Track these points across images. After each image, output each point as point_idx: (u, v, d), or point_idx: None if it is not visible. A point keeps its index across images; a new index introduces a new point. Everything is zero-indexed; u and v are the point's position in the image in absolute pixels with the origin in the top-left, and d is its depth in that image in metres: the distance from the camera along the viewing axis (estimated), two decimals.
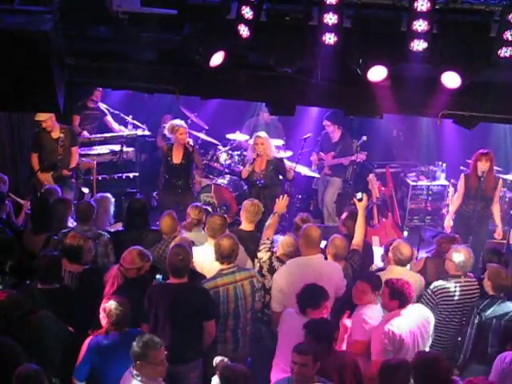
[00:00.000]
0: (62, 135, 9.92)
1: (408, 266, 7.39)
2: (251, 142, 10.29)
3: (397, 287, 6.28)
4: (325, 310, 6.29)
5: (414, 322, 6.34)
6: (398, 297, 6.29)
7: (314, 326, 5.84)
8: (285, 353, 5.94)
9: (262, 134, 10.24)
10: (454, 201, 9.80)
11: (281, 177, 10.39)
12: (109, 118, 11.90)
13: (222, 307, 6.60)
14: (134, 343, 5.33)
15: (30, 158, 10.03)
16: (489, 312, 6.55)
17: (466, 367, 6.66)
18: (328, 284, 6.60)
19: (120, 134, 11.77)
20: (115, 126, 11.90)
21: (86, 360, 5.80)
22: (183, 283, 6.36)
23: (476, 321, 6.58)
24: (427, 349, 6.46)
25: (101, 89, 11.51)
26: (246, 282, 6.74)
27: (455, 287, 6.96)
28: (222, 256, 6.66)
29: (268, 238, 7.32)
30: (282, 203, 7.85)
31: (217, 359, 5.70)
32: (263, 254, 7.19)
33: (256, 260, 7.24)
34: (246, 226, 7.73)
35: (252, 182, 10.20)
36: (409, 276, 6.96)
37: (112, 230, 8.01)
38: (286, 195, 8.05)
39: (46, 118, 9.69)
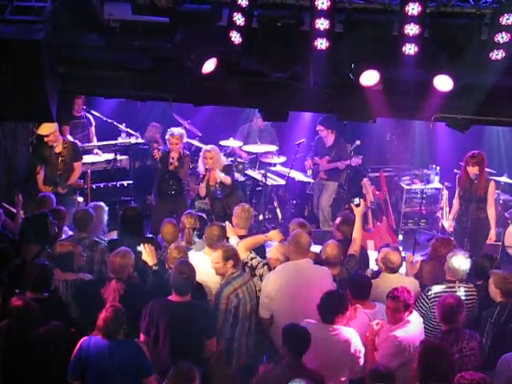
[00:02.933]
0: (63, 150, 9.78)
1: (403, 270, 7.39)
2: (200, 156, 10.22)
3: (405, 298, 6.26)
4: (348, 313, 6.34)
5: (415, 333, 6.36)
6: (409, 306, 6.30)
7: None
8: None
9: (209, 146, 10.19)
10: (453, 201, 9.75)
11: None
12: (92, 129, 11.85)
13: (242, 309, 6.68)
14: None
15: (35, 173, 9.89)
16: (504, 319, 6.52)
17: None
18: (318, 288, 6.57)
19: (113, 142, 11.75)
20: (94, 140, 11.83)
21: (76, 359, 5.79)
22: (186, 302, 6.31)
23: (492, 329, 6.54)
24: None
25: (82, 97, 11.46)
26: (251, 282, 6.88)
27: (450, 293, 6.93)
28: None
29: (251, 252, 7.27)
30: (277, 234, 7.50)
31: None
32: (262, 270, 7.15)
33: (256, 278, 7.15)
34: (238, 231, 7.67)
35: (212, 197, 10.19)
36: (402, 281, 6.96)
37: (106, 239, 7.98)
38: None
39: (49, 133, 9.58)
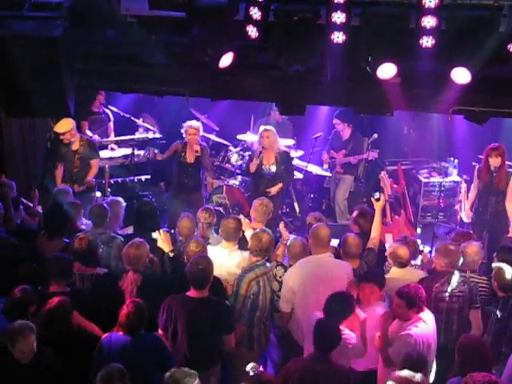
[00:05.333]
0: (80, 147, 9.80)
1: (419, 261, 7.42)
2: (258, 135, 10.23)
3: (411, 296, 6.23)
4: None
5: (429, 331, 6.30)
6: (414, 305, 6.24)
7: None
8: None
9: (269, 127, 10.17)
10: (469, 194, 9.72)
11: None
12: (111, 124, 11.91)
13: (262, 298, 6.73)
14: (167, 375, 5.24)
15: (53, 169, 9.94)
16: (506, 314, 6.50)
17: None
18: (338, 282, 6.67)
19: (131, 137, 11.80)
20: (112, 135, 11.88)
21: (98, 357, 5.80)
22: (204, 297, 6.31)
23: (494, 325, 6.55)
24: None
25: (103, 93, 11.52)
26: (271, 273, 6.94)
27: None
28: (261, 249, 6.81)
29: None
30: (245, 223, 7.62)
31: (249, 367, 5.56)
32: (276, 270, 7.13)
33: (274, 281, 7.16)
34: (256, 224, 7.70)
35: (261, 175, 10.15)
36: (410, 274, 7.00)
37: (122, 234, 8.01)
38: (282, 222, 8.00)
39: (65, 131, 9.58)
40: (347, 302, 6.25)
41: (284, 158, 10.15)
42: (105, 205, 7.94)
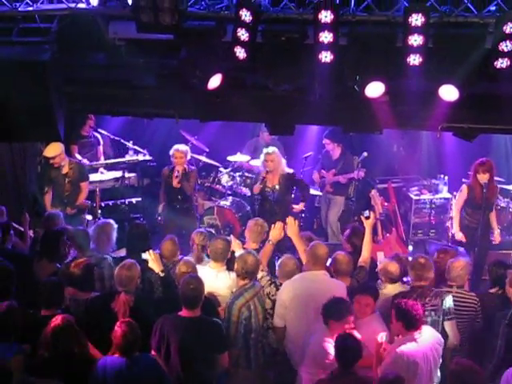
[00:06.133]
0: (70, 171, 9.82)
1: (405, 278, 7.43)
2: (261, 158, 10.23)
3: (402, 308, 6.19)
4: (347, 325, 6.27)
5: (427, 345, 6.24)
6: (402, 318, 6.18)
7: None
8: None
9: (271, 149, 10.15)
10: (455, 212, 9.76)
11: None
12: (100, 147, 11.92)
13: (254, 320, 6.70)
14: None
15: (43, 193, 9.94)
16: None
17: (496, 376, 6.48)
18: None
19: (121, 160, 11.80)
20: (102, 158, 11.89)
21: (94, 381, 5.74)
22: (196, 317, 6.28)
23: (506, 331, 6.50)
24: (438, 371, 6.41)
25: (93, 116, 11.53)
26: (261, 292, 6.91)
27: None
28: (247, 272, 6.77)
29: (263, 270, 7.24)
30: (276, 231, 7.71)
31: None
32: (269, 289, 7.12)
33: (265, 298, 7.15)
34: (250, 245, 7.71)
35: (264, 197, 10.16)
36: (401, 290, 7.01)
37: (115, 256, 7.98)
38: (291, 218, 8.00)
39: (55, 155, 9.61)
40: (344, 305, 6.30)
41: (287, 179, 10.18)
42: (84, 228, 7.92)
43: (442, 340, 6.45)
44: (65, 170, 9.81)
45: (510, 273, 6.82)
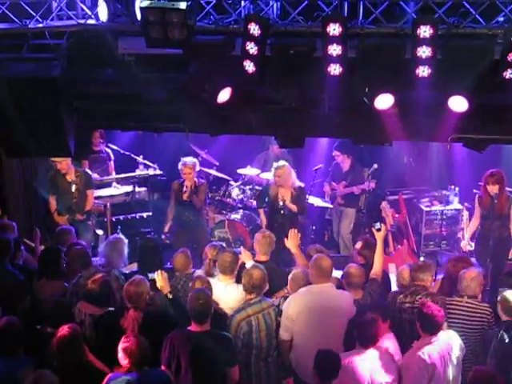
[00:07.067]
0: (76, 178, 9.92)
1: None
2: (271, 172, 10.23)
3: (423, 310, 6.29)
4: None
5: (444, 348, 6.30)
6: (420, 319, 6.30)
7: None
8: None
9: (281, 163, 10.14)
10: (470, 223, 9.73)
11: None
12: (111, 163, 11.96)
13: (255, 336, 6.66)
14: None
15: (48, 200, 10.03)
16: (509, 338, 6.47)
17: None
18: (338, 313, 6.68)
19: (131, 174, 11.83)
20: (113, 174, 11.94)
21: None
22: (205, 331, 6.26)
23: (498, 349, 6.50)
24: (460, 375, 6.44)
25: (100, 130, 11.57)
26: (270, 309, 6.82)
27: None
28: (253, 287, 6.73)
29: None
30: (292, 241, 7.73)
31: None
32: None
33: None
34: (260, 257, 7.71)
35: (277, 210, 10.15)
36: None
37: (127, 272, 7.99)
38: (293, 230, 7.93)
39: (62, 160, 9.72)
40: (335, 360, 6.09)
41: (299, 193, 10.16)
42: (80, 246, 7.96)
43: (456, 341, 6.49)
44: (70, 178, 9.90)
45: (500, 292, 6.77)
